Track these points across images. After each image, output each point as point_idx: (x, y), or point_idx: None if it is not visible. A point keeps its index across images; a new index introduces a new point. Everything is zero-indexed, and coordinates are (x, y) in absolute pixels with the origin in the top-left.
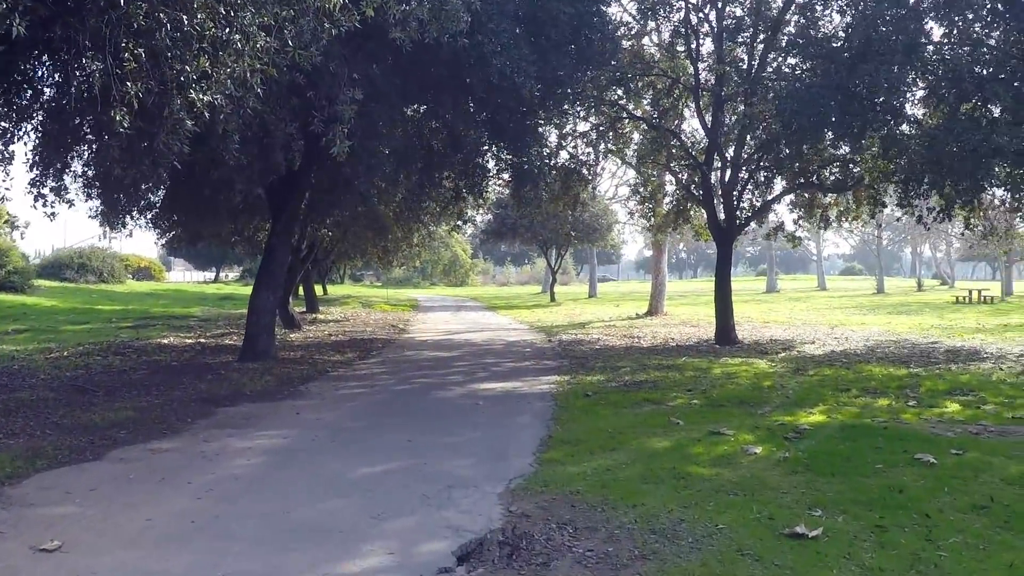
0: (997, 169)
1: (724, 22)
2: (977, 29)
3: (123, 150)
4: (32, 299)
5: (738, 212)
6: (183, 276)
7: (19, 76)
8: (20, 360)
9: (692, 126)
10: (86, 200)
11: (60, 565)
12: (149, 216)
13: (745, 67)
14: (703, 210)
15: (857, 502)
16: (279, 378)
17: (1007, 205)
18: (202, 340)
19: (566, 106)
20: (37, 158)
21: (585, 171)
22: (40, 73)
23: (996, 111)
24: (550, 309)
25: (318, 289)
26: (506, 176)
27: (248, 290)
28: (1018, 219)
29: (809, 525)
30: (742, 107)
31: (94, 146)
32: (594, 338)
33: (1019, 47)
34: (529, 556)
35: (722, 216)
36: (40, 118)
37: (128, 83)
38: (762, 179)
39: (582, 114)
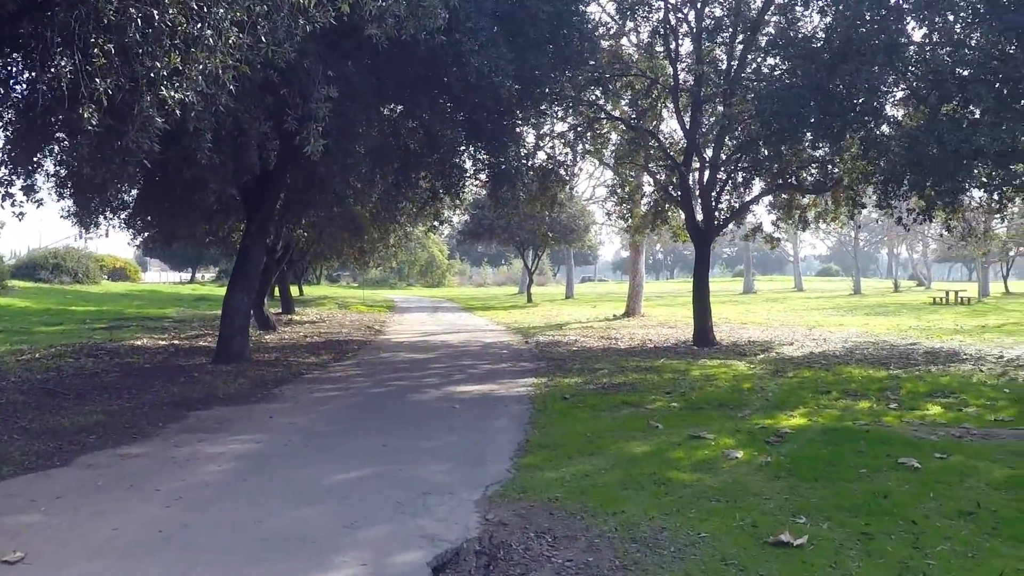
0: (977, 171)
1: (703, 22)
2: (959, 30)
3: (93, 148)
4: (5, 300)
5: (716, 213)
6: (159, 277)
7: None
8: None
9: (671, 127)
10: (58, 200)
11: None
12: (123, 216)
13: (724, 67)
14: (681, 211)
15: (841, 508)
16: (253, 381)
17: (986, 206)
18: (176, 342)
19: (544, 106)
20: (6, 157)
21: (563, 172)
22: (10, 70)
23: (977, 112)
24: (527, 310)
25: (294, 290)
26: (483, 176)
27: (223, 291)
28: (995, 220)
29: (794, 533)
30: (721, 108)
31: (65, 144)
32: (571, 339)
33: (1001, 48)
34: (507, 567)
35: (700, 217)
36: (10, 116)
37: (97, 80)
38: (741, 180)
39: (560, 114)
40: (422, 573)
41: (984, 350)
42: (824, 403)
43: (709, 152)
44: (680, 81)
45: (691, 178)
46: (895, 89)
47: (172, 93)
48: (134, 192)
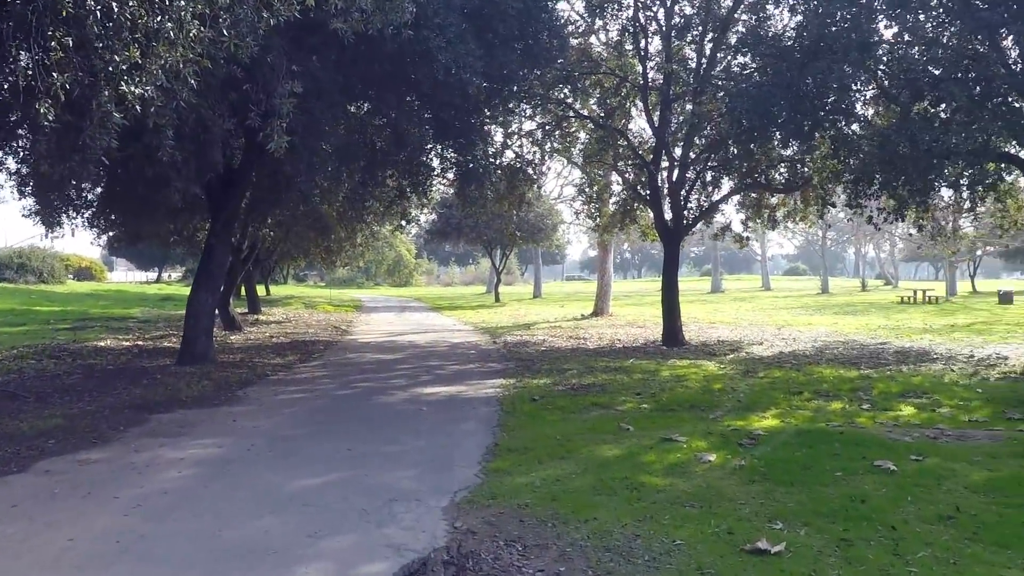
0: (948, 170)
1: (673, 20)
2: (930, 28)
3: (51, 145)
4: None
5: (686, 212)
6: (125, 276)
7: None
8: None
9: (639, 125)
10: (19, 198)
11: None
12: (86, 215)
13: (694, 66)
14: (650, 210)
15: (819, 513)
16: (217, 383)
17: (955, 205)
18: (140, 343)
19: (512, 104)
20: None
21: (531, 170)
22: None
23: (950, 111)
24: (495, 310)
25: (261, 290)
26: (451, 175)
27: (189, 291)
28: (963, 220)
29: (771, 540)
30: (690, 106)
31: (25, 141)
32: (539, 339)
33: (973, 47)
34: None
35: (669, 216)
36: None
37: (55, 74)
38: (710, 179)
39: (528, 112)
40: None
41: (955, 349)
42: (796, 404)
43: (678, 151)
44: (649, 79)
45: (660, 177)
46: (866, 88)
47: (132, 88)
48: (98, 190)
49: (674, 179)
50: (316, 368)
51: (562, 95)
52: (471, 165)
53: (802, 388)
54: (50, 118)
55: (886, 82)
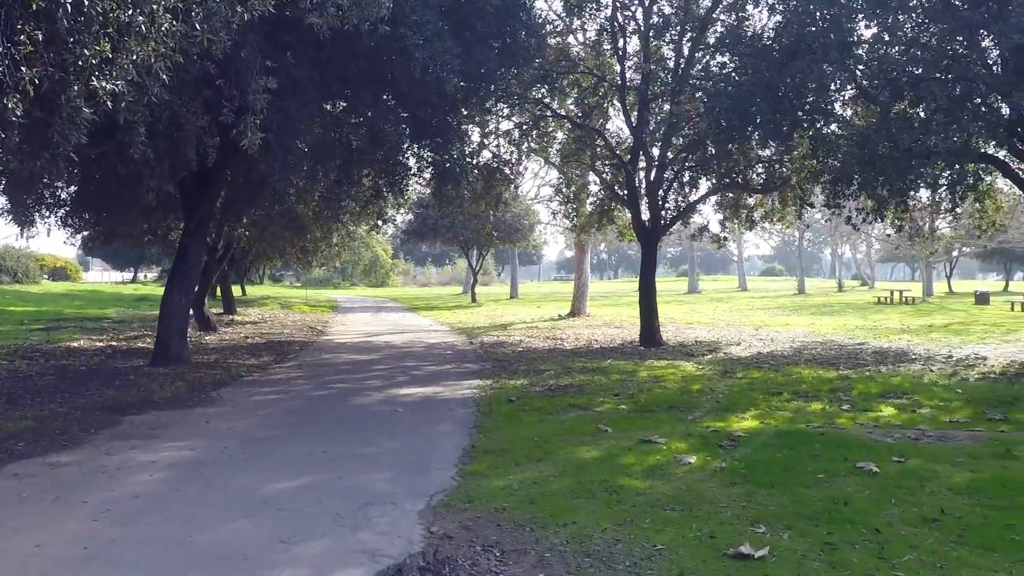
0: (927, 171)
1: (651, 20)
2: (910, 28)
3: (20, 141)
4: None
5: (663, 212)
6: (101, 276)
7: None
8: None
9: (617, 125)
10: None
11: None
12: (60, 214)
13: (672, 65)
14: (627, 210)
15: (801, 516)
16: (190, 384)
17: (935, 206)
18: (114, 343)
19: (490, 103)
20: None
21: (508, 170)
22: None
23: (929, 111)
24: (471, 310)
25: (236, 290)
26: (427, 175)
27: None
28: (940, 220)
29: (754, 544)
30: (668, 106)
31: None
32: (516, 340)
33: (953, 47)
34: None
35: (647, 216)
36: None
37: (23, 68)
38: (688, 179)
39: (506, 112)
40: None
41: (933, 350)
42: (776, 404)
43: (656, 151)
44: (627, 79)
45: (638, 177)
46: (846, 88)
47: (103, 83)
48: (71, 189)
49: (652, 179)
50: (291, 369)
51: (540, 94)
52: (448, 164)
53: (781, 389)
54: (18, 113)
55: (865, 82)
